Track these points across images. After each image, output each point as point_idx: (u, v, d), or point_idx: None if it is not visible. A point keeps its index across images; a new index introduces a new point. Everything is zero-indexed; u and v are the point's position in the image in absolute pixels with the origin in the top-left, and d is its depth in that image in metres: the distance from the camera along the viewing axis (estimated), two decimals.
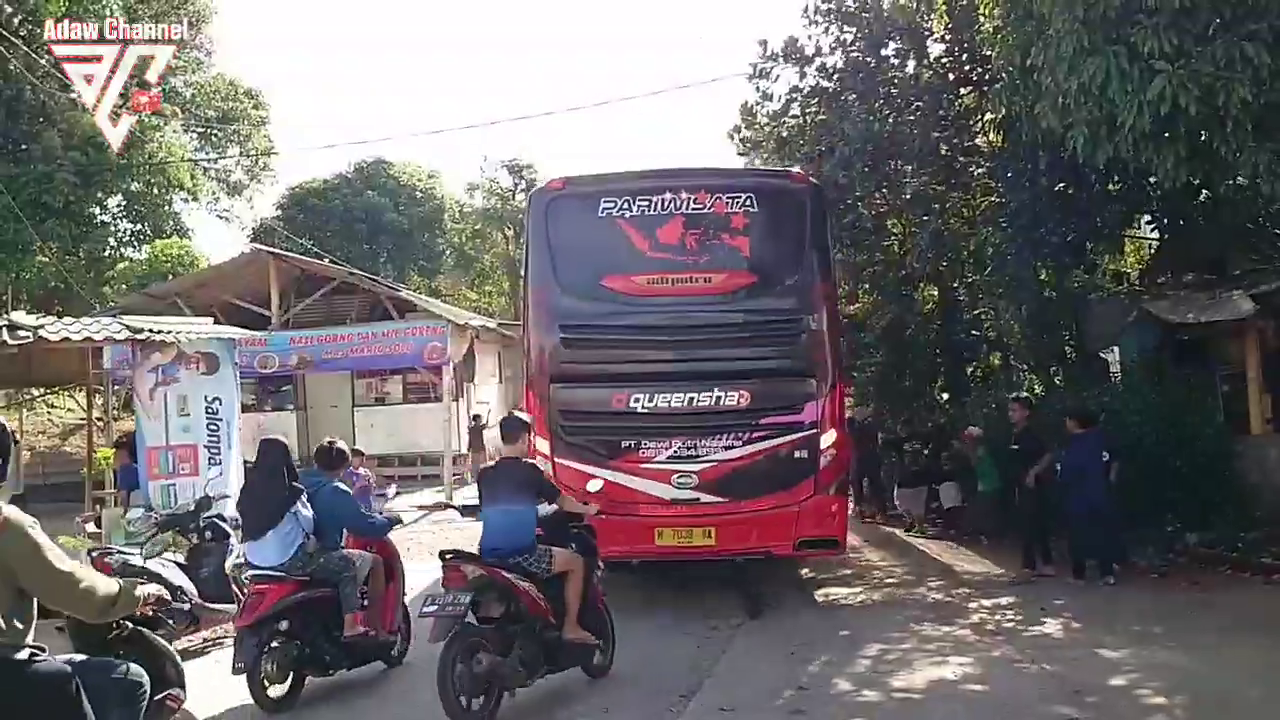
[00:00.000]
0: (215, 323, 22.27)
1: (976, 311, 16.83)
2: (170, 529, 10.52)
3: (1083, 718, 7.19)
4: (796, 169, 14.15)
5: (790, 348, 11.14)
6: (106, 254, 33.25)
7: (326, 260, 40.64)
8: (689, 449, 10.88)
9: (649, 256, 11.20)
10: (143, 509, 11.24)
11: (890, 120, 14.50)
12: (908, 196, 14.28)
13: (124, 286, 28.81)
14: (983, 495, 15.11)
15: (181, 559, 10.12)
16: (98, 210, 33.19)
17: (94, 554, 9.41)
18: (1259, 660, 8.44)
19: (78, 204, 31.29)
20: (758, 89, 16.10)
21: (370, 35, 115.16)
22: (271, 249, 23.54)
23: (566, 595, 7.90)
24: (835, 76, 15.17)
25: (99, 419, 16.80)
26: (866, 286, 19.58)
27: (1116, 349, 17.43)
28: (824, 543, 11.32)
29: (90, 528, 12.18)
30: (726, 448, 10.88)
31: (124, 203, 34.47)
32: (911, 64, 15.11)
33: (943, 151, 14.27)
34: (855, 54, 14.89)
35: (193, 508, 10.67)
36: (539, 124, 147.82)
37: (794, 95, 15.79)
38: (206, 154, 37.32)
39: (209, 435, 11.84)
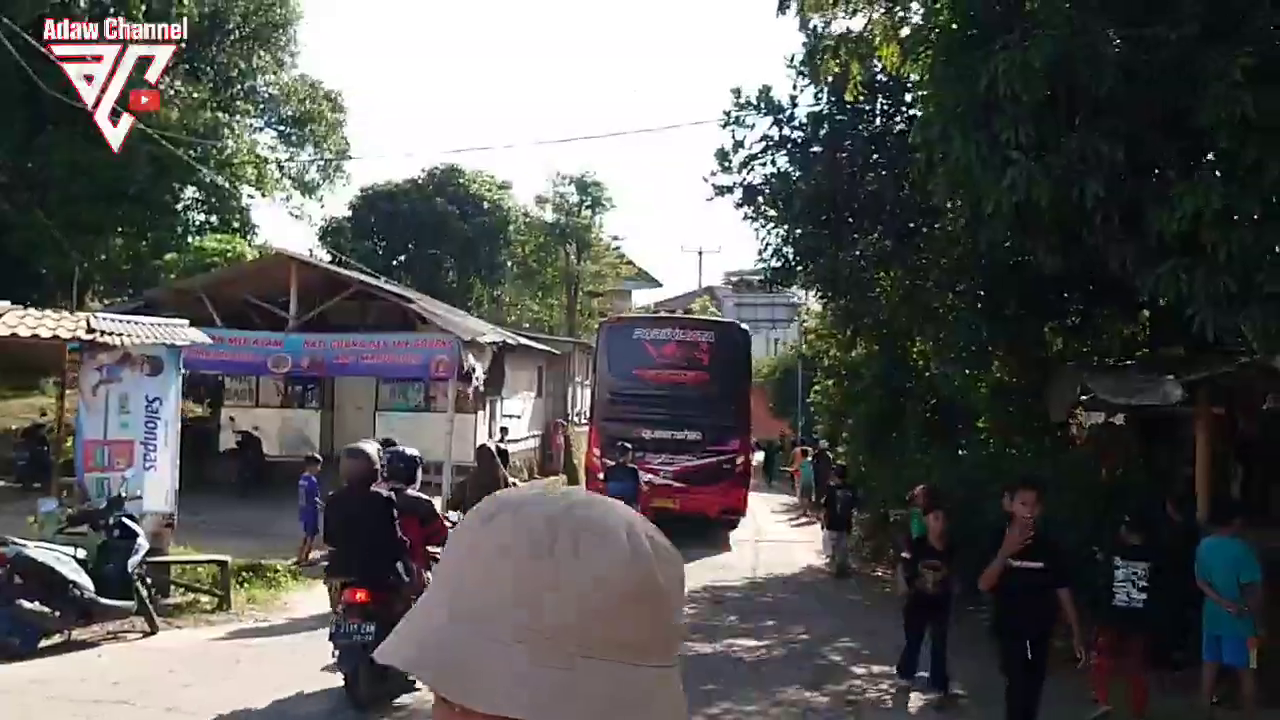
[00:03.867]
0: (240, 322, 23.20)
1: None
2: (81, 524, 11.03)
3: None
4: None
5: (723, 413, 21.13)
6: (174, 242, 34.41)
7: (395, 261, 41.92)
8: (670, 459, 20.62)
9: (657, 360, 21.72)
10: (55, 502, 11.81)
11: (851, 175, 14.51)
12: (858, 253, 14.30)
13: (171, 275, 29.78)
14: None
15: (82, 554, 10.65)
16: (170, 199, 34.32)
17: None
18: None
19: (152, 192, 32.48)
20: (732, 136, 16.27)
21: (454, 50, 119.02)
22: (293, 253, 24.16)
23: None
24: (803, 127, 15.21)
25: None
26: (863, 337, 19.51)
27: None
28: (735, 510, 21.17)
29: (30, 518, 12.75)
30: (689, 460, 20.71)
31: (198, 194, 35.67)
32: (880, 120, 15.06)
33: (895, 211, 14.22)
34: (824, 106, 14.92)
35: (104, 505, 11.22)
36: (606, 143, 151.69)
37: (766, 143, 15.86)
38: (280, 152, 38.48)
39: (147, 432, 12.36)
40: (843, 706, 9.89)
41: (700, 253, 56.50)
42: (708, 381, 21.31)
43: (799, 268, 16.45)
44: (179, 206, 35.58)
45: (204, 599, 12.62)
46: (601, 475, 18.35)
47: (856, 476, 19.98)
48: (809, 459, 28.44)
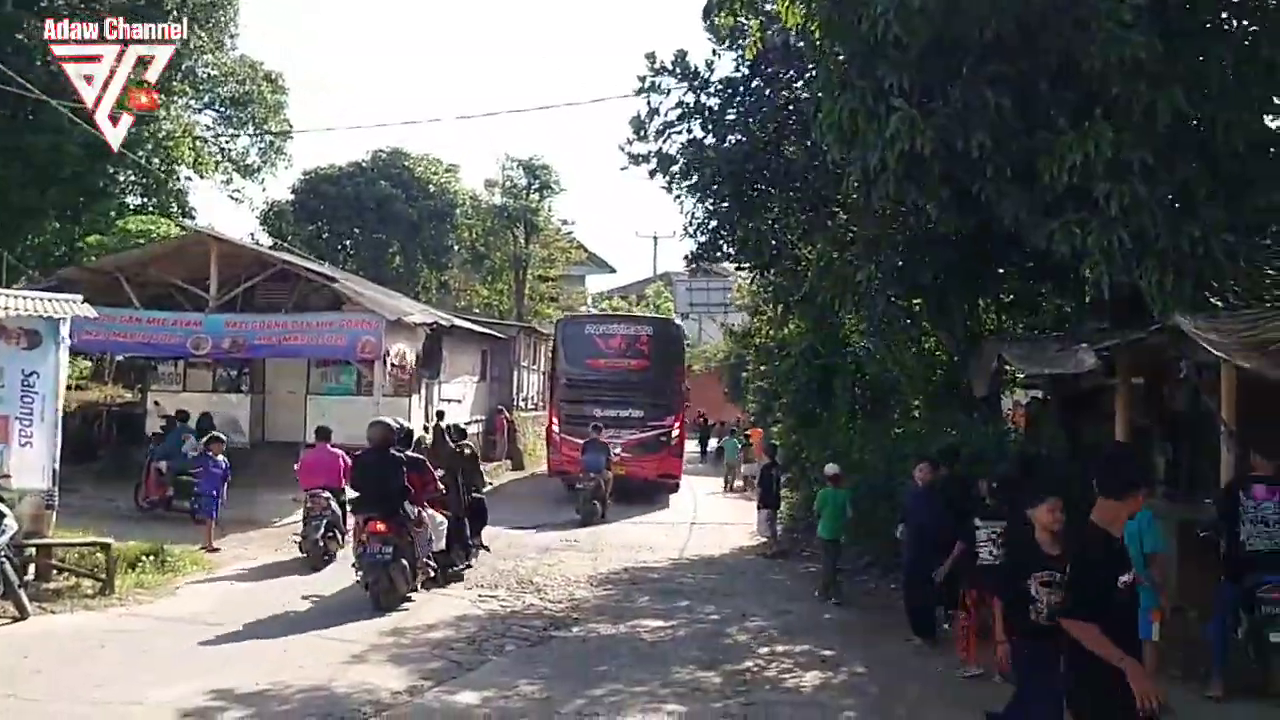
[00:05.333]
0: (164, 304, 22.55)
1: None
2: None
3: None
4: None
5: (661, 394, 25.24)
6: (106, 225, 33.49)
7: (340, 246, 41.12)
8: (616, 433, 23.66)
9: (605, 351, 25.49)
10: None
11: (765, 143, 14.03)
12: (772, 222, 13.84)
13: (93, 258, 28.89)
14: (822, 541, 14.15)
15: None
16: (105, 182, 33.43)
17: None
18: None
19: (85, 175, 31.61)
20: (648, 103, 15.65)
21: (401, 35, 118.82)
22: (213, 231, 23.42)
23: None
24: (718, 94, 14.70)
25: None
26: (795, 313, 19.06)
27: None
28: (671, 475, 25.34)
29: None
30: (633, 433, 24.41)
31: (134, 176, 34.78)
32: (796, 85, 14.56)
33: (809, 178, 13.73)
34: (739, 72, 14.42)
35: None
36: (542, 116, 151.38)
37: (682, 110, 15.28)
38: (216, 134, 37.60)
39: (22, 407, 11.81)
40: (734, 685, 9.48)
41: (655, 238, 56.20)
42: (647, 368, 25.36)
43: (722, 242, 15.97)
44: (114, 189, 34.62)
45: (86, 584, 12.07)
46: (580, 452, 21.73)
47: (790, 456, 19.59)
48: (730, 437, 32.63)
